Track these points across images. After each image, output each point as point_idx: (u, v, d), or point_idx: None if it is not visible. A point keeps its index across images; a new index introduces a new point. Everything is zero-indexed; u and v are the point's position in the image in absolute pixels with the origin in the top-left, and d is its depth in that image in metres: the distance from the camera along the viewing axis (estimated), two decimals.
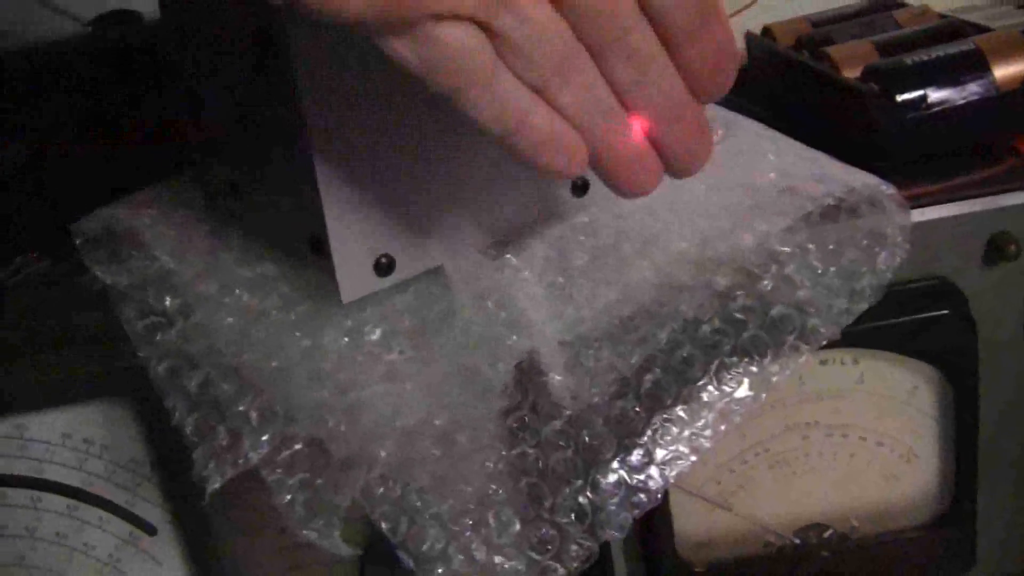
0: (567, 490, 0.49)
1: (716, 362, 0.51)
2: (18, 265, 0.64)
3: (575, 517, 0.50)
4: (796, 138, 0.57)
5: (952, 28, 0.64)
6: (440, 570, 0.49)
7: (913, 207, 0.54)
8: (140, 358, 0.53)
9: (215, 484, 0.50)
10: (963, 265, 0.58)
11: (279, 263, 0.53)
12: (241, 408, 0.50)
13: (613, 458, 0.50)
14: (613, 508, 0.49)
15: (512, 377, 0.47)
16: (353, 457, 0.47)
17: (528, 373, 0.49)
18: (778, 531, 0.64)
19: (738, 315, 0.51)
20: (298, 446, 0.49)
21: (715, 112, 0.58)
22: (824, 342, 0.51)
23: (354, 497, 0.49)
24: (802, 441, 0.61)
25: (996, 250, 0.57)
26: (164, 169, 0.61)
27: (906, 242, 0.52)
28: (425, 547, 0.49)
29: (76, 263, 0.60)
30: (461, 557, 0.49)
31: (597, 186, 0.54)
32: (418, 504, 0.49)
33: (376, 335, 0.50)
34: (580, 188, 0.54)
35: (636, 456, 0.50)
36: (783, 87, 0.68)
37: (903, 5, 0.73)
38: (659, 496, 0.50)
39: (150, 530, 0.63)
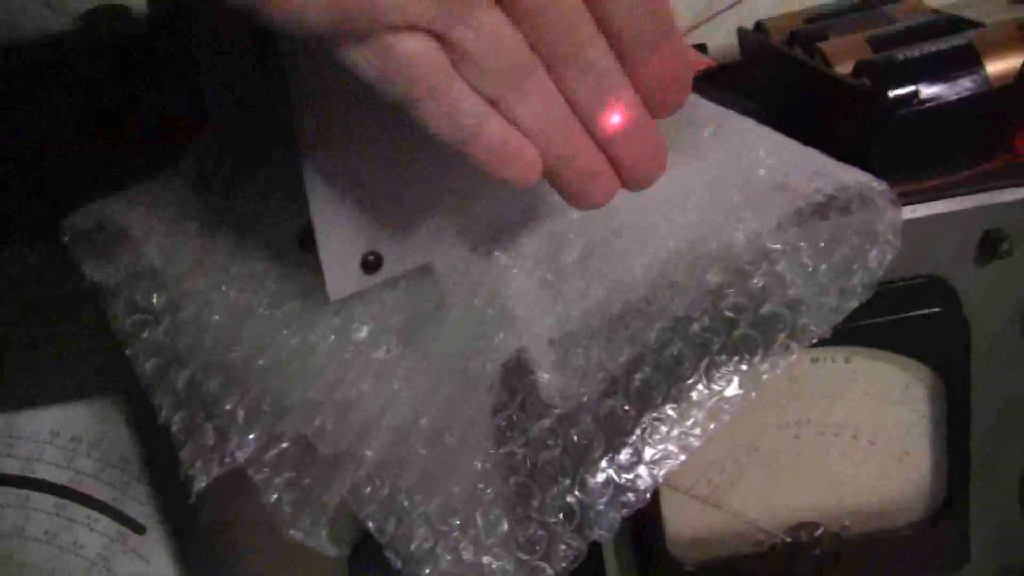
0: (555, 489, 0.49)
1: (706, 360, 0.50)
2: (7, 259, 0.64)
3: (563, 517, 0.49)
4: (788, 134, 0.57)
5: (945, 23, 0.63)
6: (428, 570, 0.49)
7: (905, 204, 0.54)
8: (128, 355, 0.53)
9: (201, 483, 0.49)
10: (956, 262, 0.58)
11: (268, 261, 0.53)
12: (228, 406, 0.50)
13: (602, 457, 0.50)
14: (602, 508, 0.49)
15: (500, 375, 0.47)
16: (341, 456, 0.47)
17: (517, 371, 0.49)
18: (770, 530, 0.63)
19: (728, 313, 0.51)
20: (285, 445, 0.49)
21: (707, 109, 0.58)
22: (815, 340, 0.51)
23: (342, 496, 0.49)
24: (794, 440, 0.61)
25: (989, 247, 0.57)
26: (159, 165, 0.61)
27: (897, 239, 0.51)
28: (413, 547, 0.49)
29: (67, 260, 0.59)
30: (449, 557, 0.49)
31: None
32: (406, 504, 0.49)
33: (364, 333, 0.50)
34: None
35: (625, 455, 0.50)
36: (775, 83, 0.68)
37: (897, 0, 0.72)
38: (648, 496, 0.49)
39: (139, 529, 0.62)
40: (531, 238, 0.53)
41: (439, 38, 0.36)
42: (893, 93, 0.58)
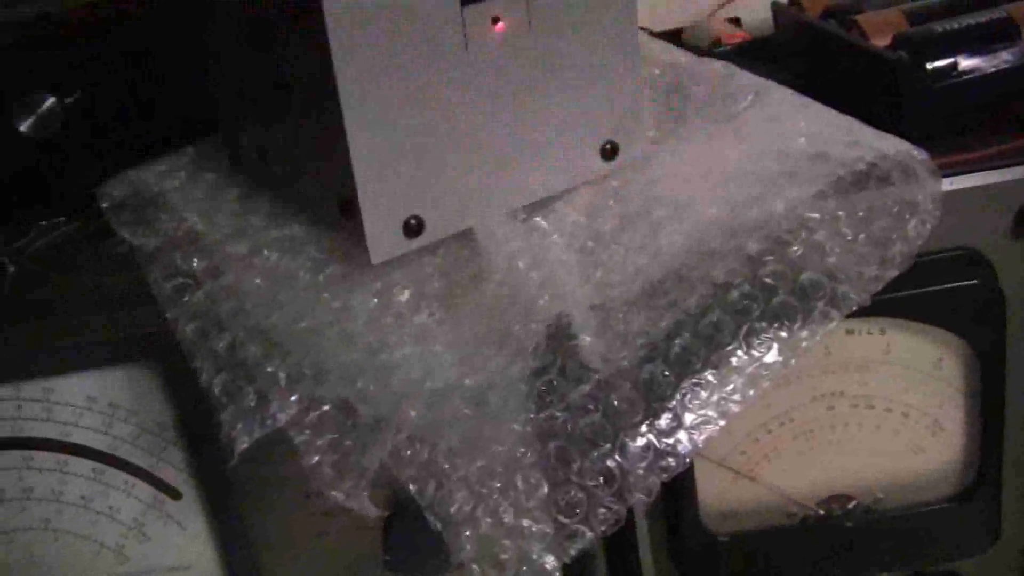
0: (595, 454, 0.49)
1: (745, 327, 0.51)
2: (45, 229, 0.64)
3: (603, 481, 0.49)
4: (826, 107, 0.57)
5: None
6: (468, 532, 0.49)
7: (943, 176, 0.54)
8: (167, 320, 0.53)
9: (243, 444, 0.50)
10: (992, 236, 0.58)
11: (308, 225, 0.53)
12: (269, 369, 0.50)
13: (641, 422, 0.50)
14: (641, 472, 0.49)
15: (544, 338, 0.47)
16: (382, 418, 0.47)
17: (557, 336, 0.49)
18: (802, 502, 0.64)
19: (768, 280, 0.51)
20: (326, 408, 0.49)
21: (745, 79, 0.58)
22: (854, 308, 0.51)
23: (382, 459, 0.49)
24: (827, 412, 0.61)
25: None
26: (193, 133, 0.61)
27: (937, 209, 0.51)
28: (453, 509, 0.49)
29: (100, 227, 0.60)
30: (489, 520, 0.49)
31: (627, 150, 0.54)
32: (446, 467, 0.49)
33: (405, 296, 0.50)
34: (610, 152, 0.54)
35: (664, 420, 0.50)
36: (811, 56, 0.68)
37: None
38: (687, 460, 0.50)
39: (174, 494, 0.63)
40: (571, 206, 0.53)
41: None
42: (932, 65, 0.58)
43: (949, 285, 0.58)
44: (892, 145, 0.52)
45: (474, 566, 0.50)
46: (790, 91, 0.57)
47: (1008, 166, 0.57)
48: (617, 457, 0.50)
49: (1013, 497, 0.64)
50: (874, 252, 0.52)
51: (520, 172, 0.52)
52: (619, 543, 0.65)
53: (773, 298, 0.51)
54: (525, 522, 0.49)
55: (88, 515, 0.64)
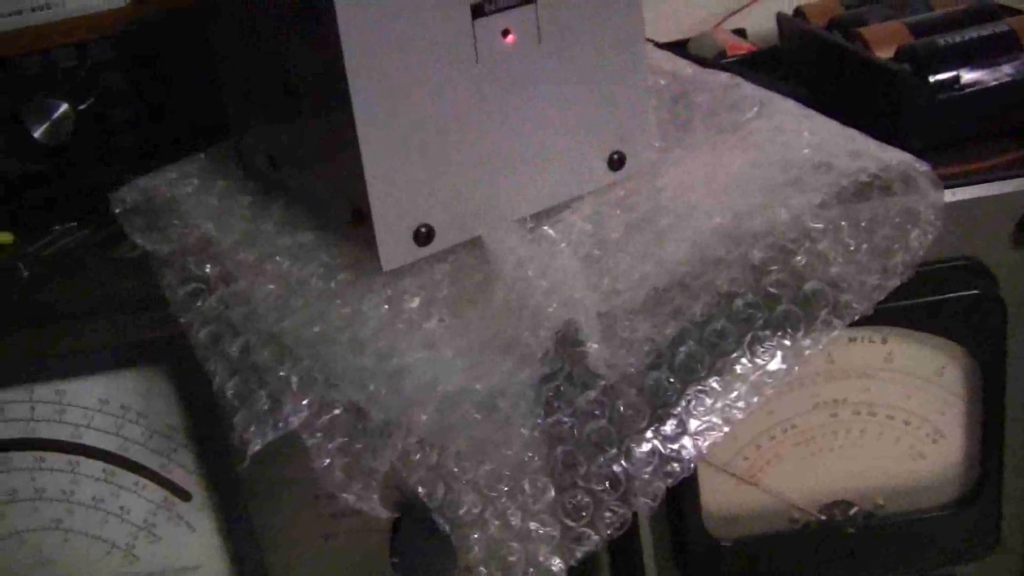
0: (601, 458, 0.50)
1: (749, 335, 0.51)
2: (58, 234, 0.65)
3: (609, 485, 0.50)
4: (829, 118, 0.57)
5: (985, 10, 0.64)
6: (476, 535, 0.50)
7: (945, 187, 0.54)
8: (180, 324, 0.54)
9: (256, 447, 0.50)
10: (993, 246, 0.58)
11: (319, 232, 0.54)
12: (282, 373, 0.51)
13: (647, 428, 0.51)
14: (646, 477, 0.50)
15: (552, 344, 0.48)
16: (392, 422, 0.48)
17: (564, 343, 0.50)
18: (804, 508, 0.64)
19: (772, 289, 0.52)
20: (337, 411, 0.50)
21: (749, 90, 0.59)
22: (856, 317, 0.52)
23: (392, 462, 0.50)
24: (830, 418, 0.62)
25: None
26: (205, 140, 0.62)
27: (939, 220, 0.52)
28: (462, 512, 0.50)
29: (114, 232, 0.61)
30: (497, 522, 0.50)
31: (634, 160, 0.55)
32: (454, 470, 0.50)
33: (415, 303, 0.51)
34: (617, 162, 0.54)
35: (669, 426, 0.51)
36: (815, 68, 0.69)
37: None
38: (691, 466, 0.51)
39: (184, 496, 0.64)
40: (578, 214, 0.54)
41: None
42: (935, 78, 0.59)
43: (951, 295, 0.58)
44: (895, 156, 0.52)
45: (482, 568, 0.51)
46: (794, 102, 0.58)
47: (1009, 177, 0.58)
48: (623, 462, 0.50)
49: (1013, 503, 0.65)
50: (876, 262, 0.52)
51: (528, 181, 0.53)
52: (623, 547, 0.66)
53: (777, 307, 0.52)
54: (532, 525, 0.50)
55: (99, 515, 0.64)
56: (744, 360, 0.51)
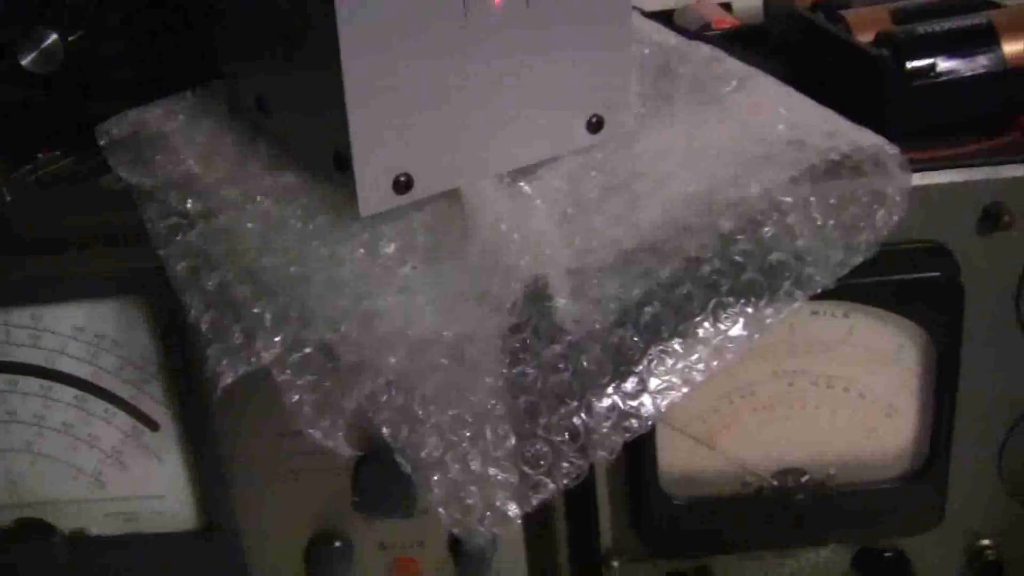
0: (562, 410, 0.52)
1: (714, 300, 0.53)
2: (41, 162, 0.66)
3: (568, 436, 0.52)
4: (806, 96, 0.59)
5: (967, 1, 0.65)
6: (436, 477, 0.51)
7: (914, 171, 0.56)
8: (160, 257, 0.55)
9: (227, 380, 0.52)
10: (958, 232, 0.60)
11: (302, 175, 0.55)
12: (256, 310, 0.52)
13: (609, 383, 0.52)
14: (605, 431, 0.52)
15: (521, 296, 0.49)
16: (363, 363, 0.49)
17: (534, 298, 0.51)
18: (758, 472, 0.66)
19: (738, 258, 0.53)
20: (309, 350, 0.51)
21: (730, 65, 0.60)
22: (818, 290, 0.53)
23: (359, 402, 0.51)
24: (788, 387, 0.64)
25: (991, 219, 0.59)
26: (194, 78, 0.63)
27: (905, 202, 0.54)
28: (423, 454, 0.51)
29: (99, 163, 0.61)
30: (457, 466, 0.51)
31: (612, 125, 0.56)
32: (420, 413, 0.51)
33: (392, 249, 0.52)
34: (595, 125, 0.56)
35: (631, 383, 0.52)
36: (797, 47, 0.70)
37: None
38: (649, 423, 0.52)
39: (153, 426, 0.65)
40: (555, 174, 0.55)
41: None
42: (911, 65, 0.60)
43: (913, 276, 0.60)
44: (867, 138, 0.54)
45: (441, 509, 0.52)
46: (773, 79, 0.59)
47: (978, 165, 0.59)
48: (583, 415, 0.52)
49: (959, 481, 0.67)
50: (842, 238, 0.54)
51: (508, 138, 0.54)
52: (580, 504, 0.67)
53: (742, 275, 0.53)
54: (492, 470, 0.51)
55: (68, 441, 0.65)
56: (707, 324, 0.53)
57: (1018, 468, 0.67)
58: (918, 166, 0.57)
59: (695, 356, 0.52)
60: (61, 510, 0.68)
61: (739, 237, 0.53)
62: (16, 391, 0.64)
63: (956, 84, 0.60)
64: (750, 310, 0.53)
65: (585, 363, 0.52)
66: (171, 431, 0.65)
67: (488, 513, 0.52)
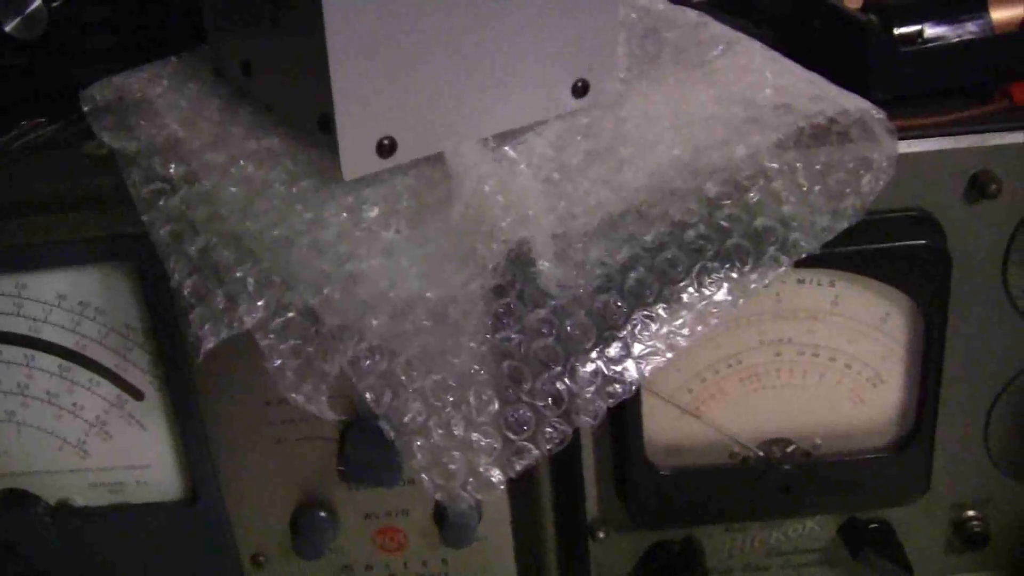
0: (546, 375, 0.51)
1: (698, 265, 0.53)
2: (25, 128, 0.65)
3: (552, 401, 0.52)
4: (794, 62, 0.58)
5: None
6: (419, 442, 0.51)
7: (901, 139, 0.55)
8: (143, 222, 0.55)
9: (209, 344, 0.51)
10: (945, 200, 0.60)
11: (286, 139, 0.55)
12: (239, 274, 0.52)
13: (592, 348, 0.52)
14: (589, 396, 0.52)
15: (504, 257, 0.49)
16: (346, 326, 0.49)
17: (518, 262, 0.51)
18: (743, 442, 0.66)
19: (723, 223, 0.53)
20: (291, 314, 0.51)
21: (717, 29, 0.60)
22: (803, 255, 0.53)
23: (342, 367, 0.51)
24: (774, 357, 0.63)
25: (978, 188, 0.59)
26: (179, 44, 0.62)
27: (891, 167, 0.54)
28: (406, 419, 0.51)
29: (82, 129, 0.61)
30: (440, 431, 0.51)
31: (597, 89, 0.56)
32: (403, 378, 0.51)
33: (375, 212, 0.52)
34: (580, 90, 0.55)
35: (615, 348, 0.52)
36: (784, 13, 0.69)
37: None
38: (633, 388, 0.52)
39: (137, 395, 0.64)
40: (539, 138, 0.55)
41: None
42: (898, 31, 0.60)
43: (899, 244, 0.60)
44: (853, 102, 0.54)
45: (424, 475, 0.52)
46: (759, 44, 0.59)
47: (965, 133, 0.59)
48: (567, 380, 0.52)
49: (944, 452, 0.67)
50: (828, 204, 0.54)
51: (493, 102, 0.53)
52: (565, 475, 0.67)
53: (727, 240, 0.53)
54: (475, 436, 0.51)
55: (52, 410, 0.65)
56: (692, 289, 0.52)
57: (1004, 437, 0.67)
58: (905, 134, 0.57)
59: (679, 321, 0.52)
60: (45, 481, 0.68)
61: (725, 202, 0.53)
62: None
63: (944, 50, 0.60)
64: (735, 275, 0.53)
65: (569, 328, 0.52)
66: (156, 401, 0.65)
67: (471, 479, 0.52)
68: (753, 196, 0.53)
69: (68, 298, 0.62)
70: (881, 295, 0.62)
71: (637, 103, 0.55)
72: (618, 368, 0.52)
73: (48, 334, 0.63)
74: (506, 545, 0.69)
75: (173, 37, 0.64)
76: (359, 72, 0.49)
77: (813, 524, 0.70)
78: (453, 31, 0.51)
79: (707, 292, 0.52)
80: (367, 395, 0.51)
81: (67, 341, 0.63)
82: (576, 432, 0.52)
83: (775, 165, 0.53)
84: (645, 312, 0.52)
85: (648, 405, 0.64)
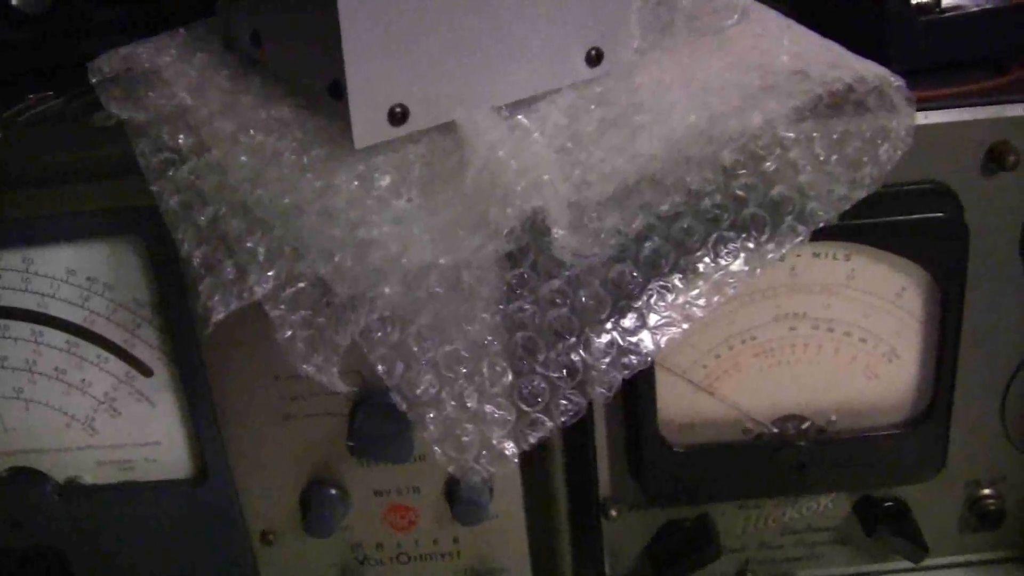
0: (561, 346, 0.51)
1: (715, 235, 0.52)
2: (32, 102, 0.65)
3: (566, 373, 0.51)
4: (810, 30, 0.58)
5: None
6: (432, 414, 0.51)
7: (918, 110, 0.55)
8: (152, 195, 0.54)
9: (219, 315, 0.51)
10: (962, 172, 0.59)
11: (296, 108, 0.54)
12: (249, 244, 0.51)
13: (607, 319, 0.51)
14: (604, 367, 0.51)
15: (518, 222, 0.48)
16: (357, 296, 0.49)
17: (531, 231, 0.50)
18: (758, 419, 0.65)
19: (740, 192, 0.52)
20: (302, 284, 0.51)
21: None
22: (821, 225, 0.52)
23: (353, 337, 0.50)
24: (789, 332, 0.63)
25: (996, 159, 0.58)
26: (187, 16, 0.62)
27: (909, 137, 0.53)
28: (419, 391, 0.50)
29: (90, 102, 0.61)
30: (453, 403, 0.51)
31: (611, 58, 0.55)
32: (415, 349, 0.50)
33: (387, 181, 0.51)
34: (594, 58, 0.55)
35: (630, 319, 0.51)
36: None
37: None
38: (648, 360, 0.51)
39: (146, 372, 0.64)
40: (553, 107, 0.54)
41: None
42: (916, 0, 0.59)
43: (916, 216, 0.59)
44: (871, 69, 0.53)
45: (436, 448, 0.51)
46: (775, 12, 0.58)
47: (983, 104, 0.58)
48: (581, 351, 0.51)
49: (961, 429, 0.66)
50: (845, 173, 0.53)
51: (506, 70, 0.53)
52: (578, 452, 0.67)
53: (744, 209, 0.52)
54: (488, 408, 0.51)
55: (60, 387, 0.65)
56: (707, 259, 0.52)
57: (1020, 414, 0.66)
58: (922, 105, 0.56)
59: (695, 291, 0.52)
60: (54, 458, 0.67)
61: (741, 171, 0.52)
62: (7, 336, 0.63)
63: (962, 20, 0.59)
64: (751, 245, 0.52)
65: (584, 298, 0.51)
66: (165, 377, 0.64)
67: (484, 452, 0.51)
68: (770, 165, 0.52)
69: (77, 273, 0.61)
70: (897, 268, 0.61)
71: (651, 71, 0.55)
72: (633, 339, 0.51)
73: (56, 310, 0.62)
74: (518, 523, 0.69)
75: (181, 9, 0.64)
76: (370, 38, 0.48)
77: (828, 501, 0.69)
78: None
79: (723, 262, 0.52)
80: (379, 367, 0.51)
81: (75, 317, 0.62)
82: (589, 410, 0.52)
83: (791, 135, 0.53)
84: (660, 282, 0.52)
85: (662, 382, 0.63)
